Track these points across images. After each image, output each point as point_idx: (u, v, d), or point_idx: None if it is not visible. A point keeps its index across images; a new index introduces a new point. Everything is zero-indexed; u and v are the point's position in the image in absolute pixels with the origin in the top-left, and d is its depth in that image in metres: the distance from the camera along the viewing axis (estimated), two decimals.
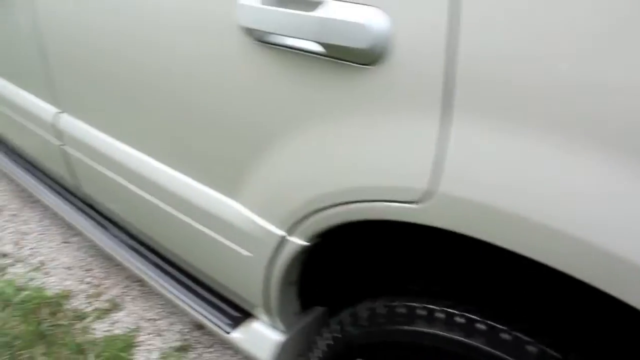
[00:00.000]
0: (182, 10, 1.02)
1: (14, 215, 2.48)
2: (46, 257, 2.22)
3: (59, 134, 1.57)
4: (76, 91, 1.44)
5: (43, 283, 2.07)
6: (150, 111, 1.23)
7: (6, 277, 2.10)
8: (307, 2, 0.81)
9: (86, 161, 1.52)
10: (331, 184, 0.88)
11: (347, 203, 0.87)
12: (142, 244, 1.64)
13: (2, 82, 1.80)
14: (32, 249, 2.27)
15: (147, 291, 1.99)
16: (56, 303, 1.98)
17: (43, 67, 1.49)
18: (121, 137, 1.37)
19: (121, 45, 1.21)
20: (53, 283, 2.08)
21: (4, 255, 2.24)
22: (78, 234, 2.30)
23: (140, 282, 2.01)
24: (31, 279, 2.09)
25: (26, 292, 2.02)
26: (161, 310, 1.91)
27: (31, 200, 2.56)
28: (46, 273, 2.13)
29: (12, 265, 2.18)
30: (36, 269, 2.15)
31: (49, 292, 2.02)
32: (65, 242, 2.28)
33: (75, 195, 1.90)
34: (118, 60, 1.24)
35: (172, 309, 1.90)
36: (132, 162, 1.34)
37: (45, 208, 2.47)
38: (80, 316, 1.91)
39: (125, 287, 2.03)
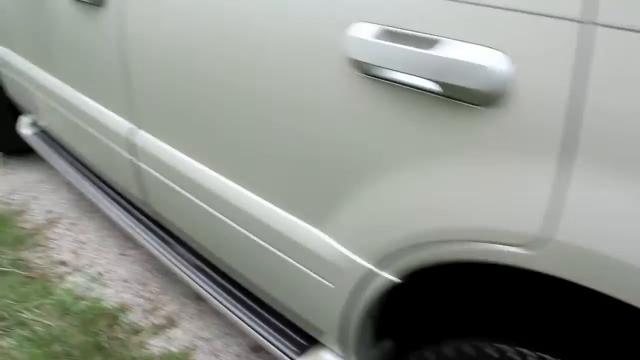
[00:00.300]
0: (283, 34, 1.04)
1: (73, 224, 2.52)
2: (103, 268, 2.24)
3: (132, 148, 1.60)
4: (154, 108, 1.47)
5: (101, 294, 2.09)
6: (235, 134, 1.24)
7: (65, 285, 2.13)
8: (421, 38, 0.81)
9: (158, 177, 1.54)
10: (433, 222, 0.87)
11: (448, 242, 0.86)
12: (205, 262, 1.65)
13: (75, 93, 1.84)
14: (90, 258, 2.30)
15: (203, 310, 1.99)
16: (113, 315, 1.99)
17: (123, 83, 1.52)
18: (199, 156, 1.39)
19: (211, 66, 1.23)
20: (110, 295, 2.10)
21: (63, 263, 2.27)
22: (135, 246, 2.33)
23: (197, 300, 2.02)
24: (89, 289, 2.11)
25: (84, 302, 2.04)
26: (217, 330, 1.92)
27: (89, 211, 2.60)
28: (103, 284, 2.16)
29: (70, 273, 2.21)
30: (94, 280, 2.17)
31: (106, 304, 2.04)
32: (122, 255, 2.31)
33: (139, 210, 1.92)
34: (206, 80, 1.26)
35: (229, 330, 1.90)
36: (210, 182, 1.36)
37: (104, 219, 2.51)
38: (137, 330, 1.93)
39: (182, 304, 2.04)
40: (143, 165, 1.60)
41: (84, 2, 1.58)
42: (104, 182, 2.14)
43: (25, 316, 1.98)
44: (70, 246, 2.38)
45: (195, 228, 1.52)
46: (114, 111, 1.64)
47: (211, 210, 1.36)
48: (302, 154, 1.07)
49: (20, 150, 3.08)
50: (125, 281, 2.17)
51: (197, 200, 1.40)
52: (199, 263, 1.67)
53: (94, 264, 2.27)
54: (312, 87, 1.00)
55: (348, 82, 0.93)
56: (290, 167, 1.11)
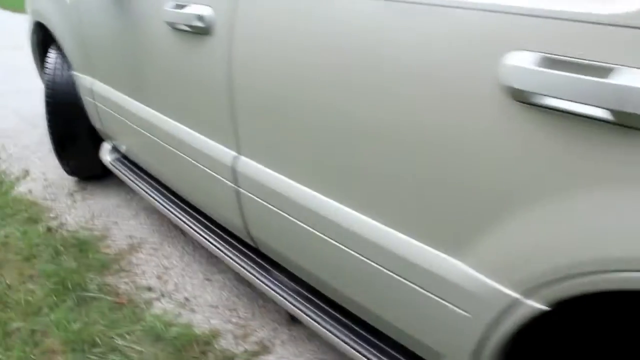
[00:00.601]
0: (424, 62, 1.02)
1: (155, 249, 2.55)
2: (190, 294, 2.25)
3: (234, 176, 1.60)
4: (261, 135, 1.47)
5: (190, 320, 2.09)
6: (359, 161, 1.21)
7: (154, 311, 2.14)
8: (587, 66, 0.79)
9: (263, 204, 1.54)
10: (596, 251, 0.84)
11: (611, 272, 0.83)
12: (305, 286, 1.64)
13: (170, 121, 1.85)
14: (175, 284, 2.31)
15: (296, 335, 1.97)
16: (205, 342, 1.99)
17: (228, 110, 1.53)
18: (314, 184, 1.37)
19: (332, 94, 1.22)
20: (200, 321, 2.10)
21: (149, 289, 2.29)
22: (220, 271, 2.34)
23: (289, 325, 2.01)
24: (178, 315, 2.12)
25: (175, 328, 2.04)
26: (312, 356, 1.89)
27: (171, 235, 2.63)
28: (192, 310, 2.16)
29: (157, 299, 2.23)
30: (182, 305, 2.18)
31: (197, 330, 2.04)
32: (207, 280, 2.32)
33: (231, 235, 1.93)
34: (326, 108, 1.25)
35: (324, 355, 1.88)
36: (328, 210, 1.33)
37: (186, 244, 2.53)
38: (230, 357, 1.92)
39: (273, 329, 2.03)
40: (245, 192, 1.59)
41: (186, 31, 1.58)
42: (192, 207, 2.14)
43: (118, 342, 1.99)
44: (154, 271, 2.39)
45: (304, 255, 1.50)
46: (215, 139, 1.64)
47: (327, 238, 1.34)
48: (444, 183, 1.04)
49: (96, 176, 3.14)
50: (213, 306, 2.17)
51: (311, 228, 1.39)
52: (299, 289, 1.66)
53: (180, 289, 2.28)
54: (458, 114, 0.98)
55: (502, 109, 0.91)
56: (429, 197, 1.08)
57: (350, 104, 1.19)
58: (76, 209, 2.92)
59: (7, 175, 3.36)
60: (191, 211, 2.14)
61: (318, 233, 1.37)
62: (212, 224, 2.04)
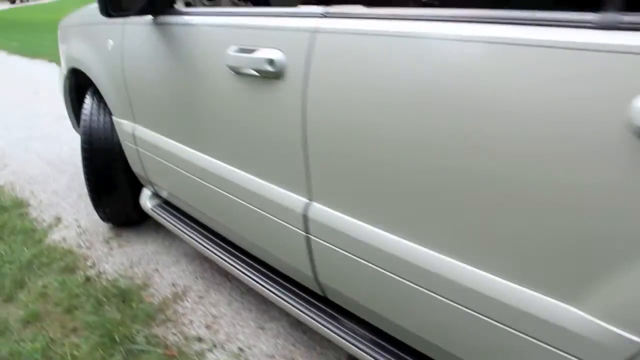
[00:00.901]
0: (541, 108, 0.97)
1: (201, 297, 2.46)
2: (244, 343, 2.16)
3: (306, 223, 1.54)
4: (337, 181, 1.42)
5: None
6: (452, 206, 1.16)
7: None
8: None
9: (337, 251, 1.47)
10: None
11: None
12: (380, 334, 1.58)
13: (229, 168, 1.79)
14: (227, 333, 2.22)
15: None
16: None
17: (300, 156, 1.47)
18: (398, 230, 1.31)
19: (418, 140, 1.19)
20: None
21: (200, 340, 2.20)
22: (272, 319, 2.25)
23: None
24: None
25: None
26: None
27: (216, 282, 2.55)
28: None
29: (209, 350, 2.14)
30: (236, 356, 2.09)
31: None
32: (260, 328, 2.23)
33: (290, 281, 1.88)
34: (414, 154, 1.21)
35: None
36: (414, 257, 1.28)
37: (233, 291, 2.47)
38: None
39: None
40: (317, 239, 1.52)
41: (252, 75, 1.53)
42: (243, 252, 2.08)
43: None
44: (203, 320, 2.31)
45: (383, 302, 1.43)
46: (283, 186, 1.58)
47: (416, 285, 1.29)
48: (566, 230, 0.98)
49: (131, 223, 3.07)
50: (269, 356, 2.09)
51: (396, 276, 1.33)
52: (375, 338, 1.58)
53: (232, 339, 2.19)
54: (583, 158, 0.93)
55: (631, 152, 0.85)
56: (546, 244, 1.02)
57: (443, 150, 1.14)
58: (113, 257, 2.84)
59: (39, 222, 3.30)
60: (243, 256, 2.06)
61: (404, 280, 1.32)
62: (267, 269, 1.97)
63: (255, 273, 1.98)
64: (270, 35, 1.50)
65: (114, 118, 2.56)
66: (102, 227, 3.15)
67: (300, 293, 1.82)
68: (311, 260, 1.59)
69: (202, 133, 1.88)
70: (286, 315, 2.25)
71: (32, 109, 6.13)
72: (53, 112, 5.82)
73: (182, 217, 2.46)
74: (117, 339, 2.20)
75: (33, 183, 3.91)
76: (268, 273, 1.95)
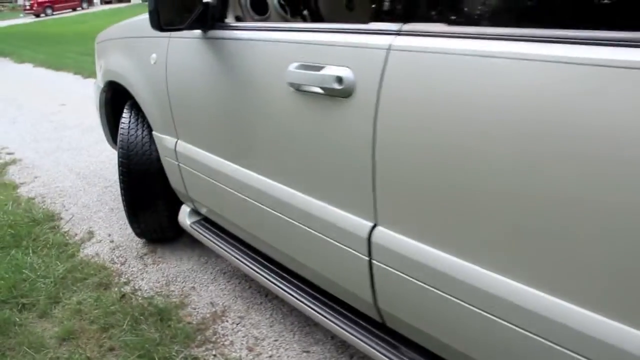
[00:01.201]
0: None
1: (241, 317, 2.40)
2: None
3: (369, 247, 1.48)
4: (409, 205, 1.35)
5: None
6: (529, 234, 1.10)
7: None
8: None
9: (404, 277, 1.40)
10: None
11: None
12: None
13: (284, 188, 1.73)
14: (270, 356, 2.15)
15: None
16: None
17: (367, 178, 1.40)
18: (470, 257, 1.24)
19: (502, 163, 1.12)
20: None
21: None
22: (318, 341, 2.18)
23: None
24: None
25: None
26: None
27: (256, 302, 2.48)
28: None
29: None
30: None
31: None
32: (305, 351, 2.16)
33: (343, 305, 1.80)
34: (502, 178, 1.14)
35: None
36: (491, 286, 1.20)
37: (275, 311, 2.42)
38: None
39: None
40: (380, 265, 1.45)
41: (318, 94, 1.48)
42: (289, 271, 2.03)
43: None
44: (244, 342, 2.24)
45: (452, 332, 1.35)
46: (346, 208, 1.51)
47: (493, 316, 1.21)
48: None
49: (165, 239, 3.02)
50: None
51: (469, 305, 1.26)
52: None
53: None
54: None
55: None
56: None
57: (529, 178, 1.08)
58: (149, 274, 2.78)
59: (71, 236, 3.25)
60: (288, 276, 2.00)
61: (476, 309, 1.25)
62: (315, 290, 1.91)
63: (302, 294, 1.91)
64: (339, 52, 1.44)
65: (154, 133, 2.51)
66: (135, 243, 3.10)
67: (352, 316, 1.75)
68: (372, 286, 1.52)
69: (254, 151, 1.82)
70: (331, 338, 2.17)
71: (60, 121, 6.13)
72: (80, 124, 5.82)
73: (222, 235, 2.39)
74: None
75: (64, 196, 3.88)
76: (316, 294, 1.88)
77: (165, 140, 2.42)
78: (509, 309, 1.18)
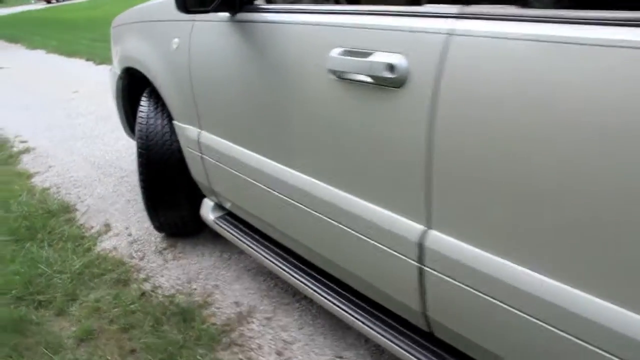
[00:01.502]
0: None
1: (268, 318, 2.26)
2: None
3: (420, 253, 1.35)
4: (468, 207, 1.21)
5: None
6: (604, 241, 0.97)
7: None
8: None
9: (459, 286, 1.28)
10: None
11: None
12: None
13: (322, 185, 1.58)
14: None
15: None
16: None
17: (420, 178, 1.25)
18: (536, 265, 1.11)
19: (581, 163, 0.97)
20: None
21: None
22: (350, 346, 2.05)
23: None
24: None
25: None
26: None
27: (284, 302, 2.34)
28: None
29: None
30: None
31: None
32: (338, 357, 2.02)
33: (382, 309, 1.68)
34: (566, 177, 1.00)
35: None
36: (552, 296, 1.08)
37: (304, 312, 2.30)
38: None
39: None
40: (433, 271, 1.31)
41: (364, 82, 1.32)
42: (320, 270, 1.90)
43: None
44: (273, 346, 2.11)
45: (511, 345, 1.23)
46: (394, 209, 1.36)
47: (558, 330, 1.08)
48: None
49: (185, 233, 2.90)
50: None
51: (532, 317, 1.13)
52: None
53: None
54: None
55: None
56: None
57: (613, 181, 0.94)
58: (169, 270, 2.65)
59: (87, 229, 3.13)
60: (319, 276, 1.89)
61: (540, 322, 1.12)
62: (350, 293, 1.79)
63: (335, 295, 1.81)
64: (390, 37, 1.29)
65: (175, 123, 2.37)
66: (154, 237, 2.97)
67: (390, 321, 1.64)
68: (422, 293, 1.38)
69: (289, 145, 1.67)
70: (365, 342, 2.04)
71: (73, 108, 6.01)
72: (94, 111, 5.70)
73: (247, 231, 2.25)
74: None
75: (79, 186, 3.75)
76: (349, 296, 1.77)
77: (187, 131, 2.27)
78: (575, 323, 1.05)
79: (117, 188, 3.69)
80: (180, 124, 2.33)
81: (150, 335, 2.19)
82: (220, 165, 2.11)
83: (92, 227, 3.17)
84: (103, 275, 2.64)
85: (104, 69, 8.61)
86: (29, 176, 3.98)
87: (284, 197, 1.76)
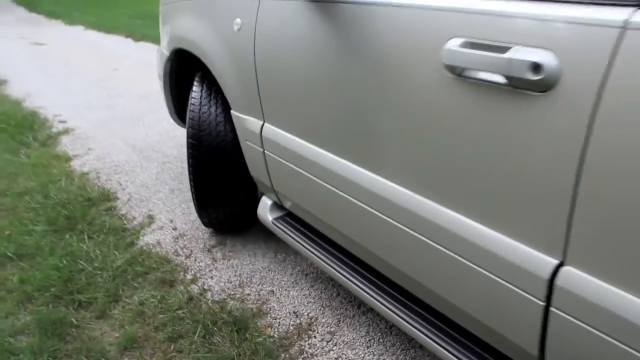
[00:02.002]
0: None
1: (331, 332, 2.02)
2: None
3: (550, 291, 1.12)
4: (616, 242, 0.97)
5: None
6: None
7: None
8: None
9: (589, 329, 1.05)
10: None
11: None
12: None
13: (440, 208, 1.31)
14: None
15: None
16: None
17: (562, 205, 0.99)
18: None
19: None
20: None
21: None
22: None
23: None
24: None
25: None
26: None
27: (347, 314, 2.11)
28: None
29: None
30: None
31: None
32: None
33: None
34: None
35: None
36: None
37: (372, 327, 2.07)
38: None
39: None
40: (560, 312, 1.08)
41: (492, 82, 1.04)
42: (391, 283, 1.68)
43: None
44: None
45: None
46: (523, 240, 1.09)
47: None
48: None
49: (235, 230, 2.68)
50: None
51: None
52: None
53: None
54: None
55: None
56: None
57: None
58: (219, 271, 2.42)
59: (129, 220, 2.90)
60: (391, 290, 1.69)
61: None
62: (427, 311, 1.58)
63: (409, 312, 1.62)
64: (537, 29, 1.00)
65: (233, 112, 2.12)
66: (201, 232, 2.74)
67: (472, 346, 1.44)
68: (542, 336, 1.14)
69: (381, 149, 1.42)
70: None
71: (113, 87, 5.81)
72: (134, 91, 5.49)
73: (310, 235, 2.00)
74: None
75: (120, 172, 3.54)
76: (426, 314, 1.57)
77: (247, 122, 2.02)
78: None
79: (160, 175, 3.47)
80: (239, 115, 2.08)
81: (200, 348, 1.97)
82: (286, 162, 1.86)
83: (134, 218, 2.95)
84: (147, 274, 2.42)
85: (143, 45, 8.42)
86: (68, 159, 3.78)
87: (367, 207, 1.52)
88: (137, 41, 8.76)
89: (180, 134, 4.11)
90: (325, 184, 1.67)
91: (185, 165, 3.40)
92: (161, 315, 2.16)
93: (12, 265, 2.49)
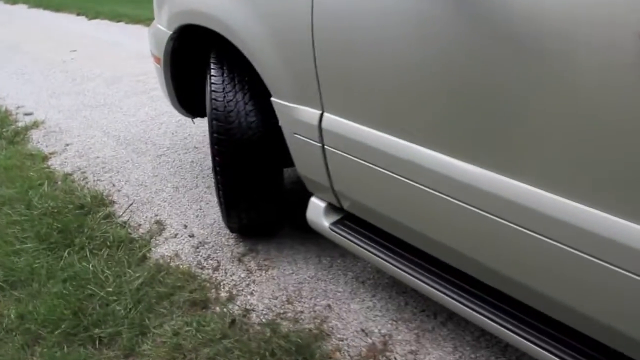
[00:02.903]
0: None
1: (413, 352, 1.72)
2: None
3: None
4: None
5: None
6: None
7: None
8: None
9: None
10: None
11: None
12: None
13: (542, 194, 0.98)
14: None
15: None
16: None
17: None
18: None
19: None
20: None
21: None
22: None
23: None
24: None
25: None
26: None
27: (425, 327, 1.82)
28: None
29: None
30: None
31: None
32: None
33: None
34: None
35: None
36: None
37: (459, 341, 1.76)
38: None
39: None
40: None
41: None
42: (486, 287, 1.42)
43: None
44: None
45: None
46: None
47: None
48: None
49: (263, 234, 2.37)
50: None
51: None
52: None
53: None
54: None
55: None
56: None
57: None
58: (258, 285, 2.04)
59: (133, 228, 2.48)
60: (473, 289, 1.44)
61: None
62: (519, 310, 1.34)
63: (506, 317, 1.36)
64: None
65: (274, 100, 1.72)
66: (225, 237, 2.35)
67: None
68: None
69: (522, 151, 1.05)
70: None
71: (76, 70, 5.26)
72: (100, 74, 4.99)
73: (377, 239, 1.73)
74: None
75: (109, 170, 3.09)
76: (525, 317, 1.32)
77: (299, 112, 1.63)
78: None
79: (156, 170, 3.04)
80: (284, 103, 1.69)
81: None
82: (359, 160, 1.50)
83: (139, 226, 2.53)
84: (172, 295, 2.03)
85: (98, 23, 7.81)
86: (44, 158, 3.30)
87: (488, 215, 1.18)
88: (91, 19, 8.12)
89: (166, 120, 3.66)
90: (421, 186, 1.35)
91: (184, 158, 3.02)
92: (204, 349, 1.77)
93: (5, 296, 2.06)
